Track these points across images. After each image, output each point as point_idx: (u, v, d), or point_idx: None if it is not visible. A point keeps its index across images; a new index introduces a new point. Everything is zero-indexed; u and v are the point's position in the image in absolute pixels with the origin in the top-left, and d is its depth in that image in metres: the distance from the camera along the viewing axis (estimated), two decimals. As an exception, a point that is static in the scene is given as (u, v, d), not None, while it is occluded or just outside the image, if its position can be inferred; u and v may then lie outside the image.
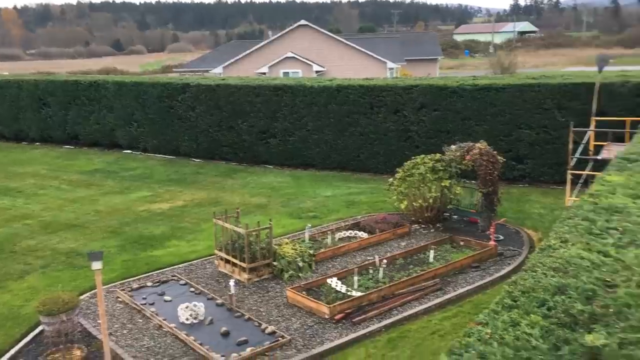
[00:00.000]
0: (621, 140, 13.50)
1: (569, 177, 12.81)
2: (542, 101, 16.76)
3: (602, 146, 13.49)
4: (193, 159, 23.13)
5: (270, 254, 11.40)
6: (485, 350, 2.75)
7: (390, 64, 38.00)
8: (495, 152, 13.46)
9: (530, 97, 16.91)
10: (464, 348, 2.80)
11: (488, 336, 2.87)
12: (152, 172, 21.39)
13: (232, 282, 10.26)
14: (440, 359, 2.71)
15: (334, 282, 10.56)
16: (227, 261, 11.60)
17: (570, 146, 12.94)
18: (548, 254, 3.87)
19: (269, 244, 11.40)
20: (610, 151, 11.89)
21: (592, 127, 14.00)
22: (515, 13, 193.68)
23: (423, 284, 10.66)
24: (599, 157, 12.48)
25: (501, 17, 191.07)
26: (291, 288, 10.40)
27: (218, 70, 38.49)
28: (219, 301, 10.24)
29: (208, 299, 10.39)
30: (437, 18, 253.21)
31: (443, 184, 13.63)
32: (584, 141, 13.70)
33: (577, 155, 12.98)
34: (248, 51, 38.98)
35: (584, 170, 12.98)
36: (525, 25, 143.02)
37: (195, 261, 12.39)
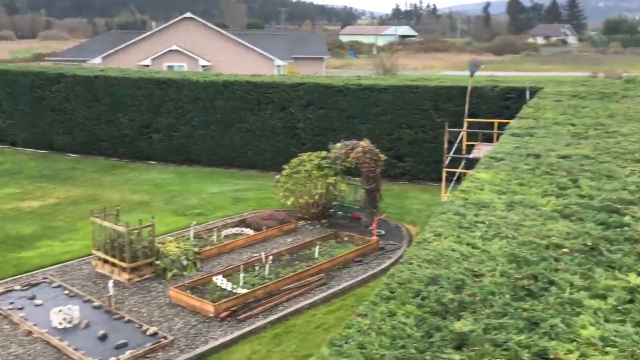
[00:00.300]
0: (490, 140, 14.52)
1: (444, 174, 13.60)
2: (420, 102, 17.62)
3: (473, 146, 14.44)
4: (68, 154, 21.77)
5: (153, 252, 11.03)
6: (364, 341, 2.85)
7: (277, 61, 38.12)
8: (377, 150, 13.96)
9: (410, 98, 17.72)
10: (344, 339, 2.88)
11: (367, 327, 2.97)
12: (21, 168, 19.87)
13: (110, 283, 9.80)
14: (321, 351, 2.77)
15: (219, 280, 10.44)
16: (106, 261, 11.06)
17: (446, 145, 13.74)
18: (423, 247, 4.09)
19: (151, 242, 11.02)
20: (480, 150, 12.77)
21: (464, 127, 14.94)
22: (397, 17, 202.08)
23: (308, 279, 10.82)
24: (470, 156, 13.36)
25: (384, 21, 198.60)
26: (174, 287, 10.14)
27: (97, 60, 36.51)
28: (97, 303, 9.75)
29: (84, 301, 9.85)
30: (324, 18, 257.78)
31: (328, 181, 13.91)
32: (458, 141, 14.59)
33: (451, 154, 13.80)
34: (130, 42, 37.36)
35: (457, 168, 13.82)
36: (405, 29, 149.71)
37: (70, 262, 11.69)
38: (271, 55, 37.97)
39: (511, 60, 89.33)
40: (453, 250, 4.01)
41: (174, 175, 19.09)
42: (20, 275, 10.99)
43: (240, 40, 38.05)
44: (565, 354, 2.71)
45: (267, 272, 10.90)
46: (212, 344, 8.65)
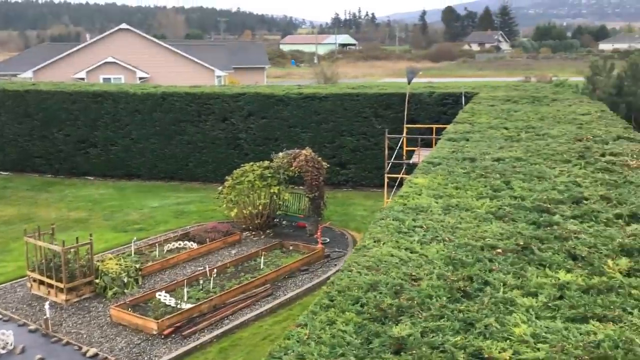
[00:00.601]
0: (429, 145, 14.84)
1: (385, 180, 13.79)
2: (361, 110, 17.84)
3: (413, 151, 14.71)
4: (0, 172, 20.84)
5: (92, 271, 10.68)
6: (303, 351, 2.84)
7: (218, 72, 37.75)
8: (320, 158, 14.03)
9: (351, 106, 17.91)
10: (283, 351, 2.86)
11: (306, 337, 2.96)
12: (-52, 188, 18.87)
13: (47, 305, 9.42)
14: (260, 364, 2.74)
15: (162, 296, 10.20)
16: (42, 282, 10.62)
17: (386, 152, 13.94)
18: (363, 254, 4.12)
19: (89, 260, 10.66)
20: (420, 156, 13.02)
21: (404, 134, 15.21)
22: (337, 26, 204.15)
23: (254, 290, 10.73)
24: (410, 162, 13.61)
25: (324, 30, 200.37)
26: (115, 306, 9.83)
27: (28, 74, 35.13)
28: (32, 327, 9.34)
29: (19, 325, 9.42)
30: (264, 28, 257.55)
31: (272, 191, 13.87)
32: (398, 147, 14.83)
33: (392, 160, 14.01)
34: (63, 54, 36.14)
35: (399, 173, 14.05)
36: (345, 38, 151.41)
37: (3, 285, 11.17)
38: (211, 65, 37.58)
39: (448, 66, 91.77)
40: (392, 255, 4.05)
41: (113, 191, 18.58)
42: (-52, 302, 10.40)
43: (179, 51, 37.50)
44: (499, 352, 2.78)
45: (211, 285, 10.73)
46: (156, 362, 8.43)
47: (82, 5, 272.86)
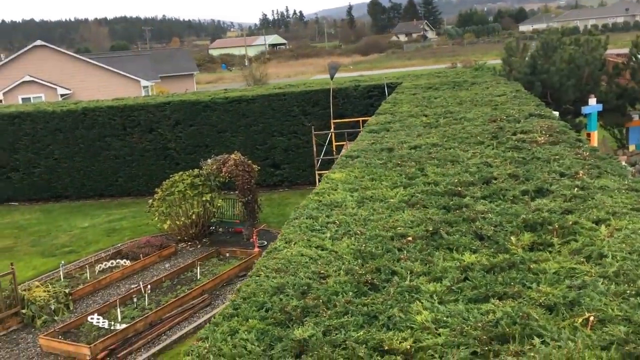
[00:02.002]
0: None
1: (317, 177, 13.78)
2: (289, 109, 17.78)
3: (342, 146, 14.77)
4: None
5: (17, 301, 10.17)
6: (202, 368, 2.74)
7: (144, 82, 36.89)
8: (250, 161, 13.88)
9: (278, 106, 17.82)
10: (181, 369, 2.75)
11: (206, 351, 2.86)
12: None
13: (-31, 343, 8.90)
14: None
15: (95, 319, 9.83)
16: (-37, 319, 10.03)
17: (315, 149, 13.93)
18: (272, 257, 4.04)
19: (13, 290, 10.15)
20: (348, 150, 13.08)
21: (332, 129, 15.26)
22: (265, 27, 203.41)
23: (191, 302, 10.49)
24: (338, 157, 13.62)
25: (253, 31, 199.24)
26: (44, 335, 9.39)
27: (-61, 100, 33.30)
28: (-45, 368, 8.80)
29: (-60, 368, 8.86)
30: (192, 34, 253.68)
31: (204, 199, 13.62)
32: (327, 143, 14.86)
33: (321, 156, 14.02)
34: (-24, 77, 34.46)
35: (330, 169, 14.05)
36: (275, 38, 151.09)
37: None
38: (136, 76, 36.68)
39: (377, 59, 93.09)
40: (302, 255, 4.00)
41: (40, 214, 17.82)
42: None
43: (101, 64, 36.40)
44: (400, 342, 2.76)
45: (147, 302, 10.43)
46: (91, 388, 8.10)
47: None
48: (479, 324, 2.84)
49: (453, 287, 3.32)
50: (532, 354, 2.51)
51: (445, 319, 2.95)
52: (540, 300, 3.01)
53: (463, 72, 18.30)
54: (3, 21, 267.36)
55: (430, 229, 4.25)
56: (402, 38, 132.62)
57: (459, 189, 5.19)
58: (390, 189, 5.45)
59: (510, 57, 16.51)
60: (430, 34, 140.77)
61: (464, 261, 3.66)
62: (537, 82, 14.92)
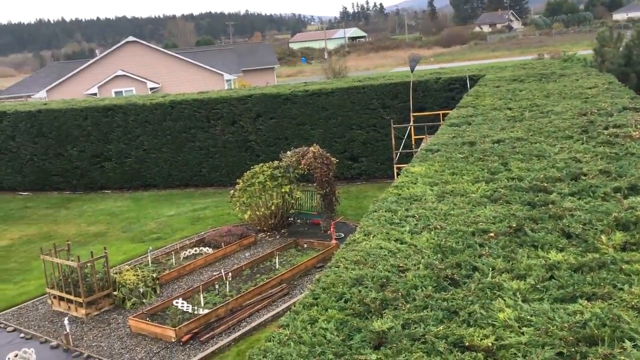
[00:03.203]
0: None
1: (395, 171, 13.68)
2: (368, 102, 17.73)
3: (422, 139, 14.58)
4: (19, 193, 21.19)
5: (109, 283, 10.79)
6: (282, 352, 2.81)
7: (227, 76, 37.93)
8: (328, 154, 13.98)
9: (358, 99, 17.81)
10: (262, 354, 2.84)
11: (287, 337, 2.93)
12: (-30, 213, 19.25)
13: (66, 320, 9.55)
14: (238, 368, 2.72)
15: (179, 303, 10.27)
16: (62, 298, 10.77)
17: (393, 142, 13.83)
18: (351, 249, 4.08)
19: (106, 273, 10.78)
20: (428, 143, 12.90)
21: (411, 122, 15.08)
22: (345, 20, 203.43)
23: (270, 291, 10.73)
24: (418, 150, 13.45)
25: (333, 25, 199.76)
26: (134, 316, 9.92)
27: (42, 94, 35.73)
28: (54, 343, 9.47)
29: (41, 342, 9.57)
30: (273, 28, 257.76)
31: (283, 190, 13.87)
32: (406, 136, 14.71)
33: (400, 150, 13.90)
34: (74, 72, 36.66)
35: (408, 163, 13.92)
36: (354, 31, 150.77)
37: (25, 303, 11.35)
38: (220, 70, 37.77)
39: (459, 51, 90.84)
40: (381, 248, 4.00)
41: (130, 202, 18.77)
42: (-27, 324, 10.61)
43: (187, 59, 37.75)
44: (481, 339, 2.72)
45: (228, 289, 10.77)
46: (176, 369, 8.49)
47: (93, 22, 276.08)
48: (566, 325, 2.75)
49: (538, 286, 3.23)
50: (623, 358, 2.40)
51: (529, 317, 2.87)
52: (633, 303, 2.87)
53: (551, 63, 17.55)
54: (98, 18, 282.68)
55: (514, 225, 4.14)
56: (486, 29, 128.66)
57: (545, 184, 5.01)
58: (472, 184, 5.34)
59: (602, 48, 15.66)
60: (516, 24, 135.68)
61: (550, 259, 3.54)
62: (632, 74, 14.08)
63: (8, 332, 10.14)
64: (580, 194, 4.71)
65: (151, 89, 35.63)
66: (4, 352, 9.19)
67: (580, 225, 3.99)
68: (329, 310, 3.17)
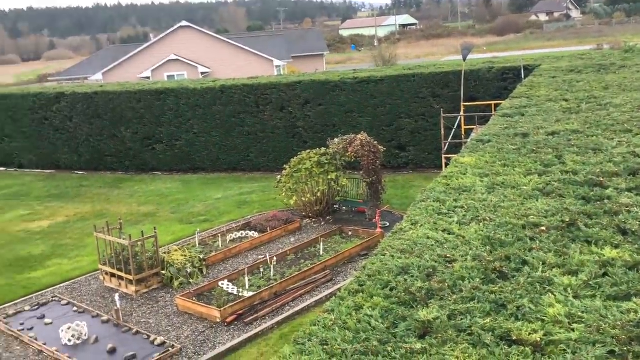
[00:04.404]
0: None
1: (443, 161, 13.50)
2: (418, 90, 17.51)
3: (472, 129, 14.32)
4: (75, 172, 21.98)
5: (158, 263, 11.09)
6: (327, 337, 2.83)
7: (277, 62, 38.13)
8: (376, 142, 13.90)
9: (407, 87, 17.61)
10: (307, 337, 2.87)
11: (332, 322, 2.95)
12: (29, 189, 20.09)
13: (117, 296, 9.88)
14: (283, 350, 2.76)
15: (225, 285, 10.47)
16: (113, 275, 11.15)
17: (443, 132, 13.63)
18: (398, 237, 4.06)
19: (155, 253, 11.08)
20: (478, 134, 12.66)
21: (461, 112, 14.83)
22: (397, 7, 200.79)
23: (314, 276, 10.81)
24: (467, 140, 13.24)
25: (384, 11, 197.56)
26: (181, 295, 10.18)
27: (98, 76, 36.79)
28: (105, 318, 9.82)
29: (93, 316, 9.93)
30: (324, 14, 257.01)
31: (329, 177, 13.90)
32: (456, 126, 14.48)
33: (449, 140, 13.70)
34: (128, 55, 37.57)
35: (457, 153, 13.71)
36: (406, 18, 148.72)
37: (79, 278, 11.80)
38: (270, 56, 37.99)
39: (514, 39, 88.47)
40: (428, 237, 3.97)
41: (180, 184, 19.19)
42: (30, 296, 11.11)
43: (238, 44, 38.11)
44: (530, 334, 2.67)
45: (272, 273, 10.91)
46: (220, 349, 8.68)
47: (149, 6, 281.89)
48: (619, 323, 2.67)
49: (590, 282, 3.14)
50: (679, 361, 2.32)
51: (580, 314, 2.80)
52: (692, 304, 2.76)
53: (611, 54, 16.89)
54: (152, 3, 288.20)
55: (567, 219, 4.03)
56: (542, 17, 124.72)
57: (601, 179, 4.85)
58: (524, 176, 5.22)
59: (667, 38, 14.90)
60: (574, 13, 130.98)
61: (604, 256, 3.43)
62: (698, 66, 13.36)
63: (62, 305, 10.57)
64: (638, 190, 4.54)
65: (202, 73, 36.18)
66: (58, 324, 9.59)
67: (638, 222, 3.85)
68: (374, 297, 3.18)
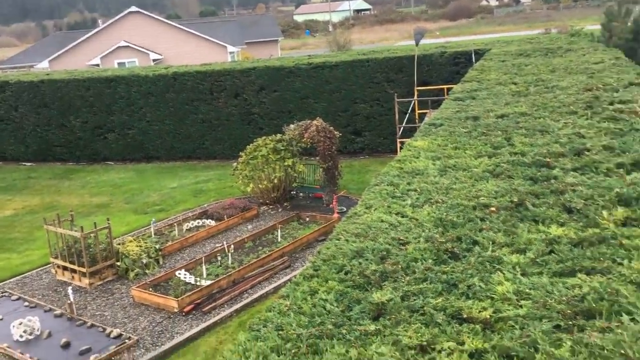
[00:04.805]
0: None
1: (398, 145, 13.65)
2: (372, 75, 17.60)
3: (425, 113, 14.50)
4: (23, 163, 21.25)
5: (112, 254, 10.88)
6: (282, 322, 2.84)
7: (230, 48, 37.61)
8: (331, 127, 13.93)
9: (362, 73, 17.68)
10: (262, 323, 2.87)
11: (287, 308, 2.96)
12: (-26, 182, 19.33)
13: (70, 290, 9.65)
14: (238, 337, 2.75)
15: (182, 275, 10.36)
16: (65, 268, 10.88)
17: (397, 116, 13.76)
18: (353, 221, 4.09)
19: (109, 244, 10.86)
20: (431, 118, 12.83)
21: (415, 96, 14.99)
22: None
23: (272, 263, 10.81)
24: (421, 125, 13.41)
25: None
26: (137, 287, 10.02)
27: (44, 64, 35.52)
28: (58, 312, 9.58)
29: (45, 311, 9.68)
30: (277, 0, 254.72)
31: (286, 164, 13.87)
32: (409, 110, 14.63)
33: (403, 124, 13.84)
34: (76, 42, 36.38)
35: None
36: (360, 3, 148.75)
37: (29, 273, 11.48)
38: (223, 42, 37.43)
39: (466, 24, 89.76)
40: (382, 221, 4.01)
41: (134, 174, 18.81)
42: (-22, 292, 10.74)
43: (190, 30, 37.40)
44: (480, 312, 2.74)
45: (230, 261, 10.85)
46: (178, 339, 8.61)
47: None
48: (564, 298, 2.76)
49: (537, 260, 3.24)
50: (620, 331, 2.42)
51: (527, 291, 2.89)
52: (632, 277, 2.88)
53: (558, 38, 17.33)
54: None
55: (515, 200, 4.13)
56: (493, 2, 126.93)
57: (548, 160, 4.99)
58: (475, 158, 5.32)
59: (610, 23, 15.45)
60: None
61: (550, 234, 3.54)
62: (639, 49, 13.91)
63: (12, 300, 10.26)
64: (583, 170, 4.69)
65: (154, 60, 35.39)
66: (8, 320, 9.30)
67: (582, 201, 3.99)
68: (329, 281, 3.19)
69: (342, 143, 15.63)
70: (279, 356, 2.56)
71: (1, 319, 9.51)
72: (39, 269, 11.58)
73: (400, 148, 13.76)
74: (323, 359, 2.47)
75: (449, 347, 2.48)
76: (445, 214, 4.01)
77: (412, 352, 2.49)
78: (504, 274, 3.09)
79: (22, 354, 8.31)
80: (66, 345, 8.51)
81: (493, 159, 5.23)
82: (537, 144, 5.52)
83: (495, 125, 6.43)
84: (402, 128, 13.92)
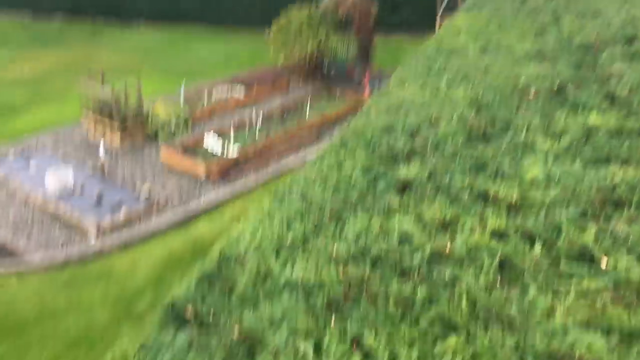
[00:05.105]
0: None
1: (437, 24, 13.04)
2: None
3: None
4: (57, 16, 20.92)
5: (142, 115, 10.99)
6: (307, 191, 2.86)
7: None
8: (369, 1, 13.29)
9: (406, -59, 16.51)
10: (288, 190, 2.88)
11: (313, 178, 2.96)
12: (6, 35, 19.27)
13: (101, 147, 9.89)
14: (262, 204, 2.79)
15: (211, 136, 10.48)
16: (98, 125, 11.08)
17: (439, -9, 13.00)
18: (385, 96, 3.98)
19: (140, 105, 10.94)
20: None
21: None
22: None
23: (299, 136, 10.85)
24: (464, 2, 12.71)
25: None
26: (166, 150, 10.22)
27: None
28: (90, 167, 9.91)
29: (78, 165, 10.01)
30: None
31: (319, 37, 13.43)
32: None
33: (445, 1, 13.13)
34: None
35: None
36: None
37: (63, 128, 11.72)
38: None
39: None
40: (415, 97, 3.90)
41: (165, 36, 18.48)
42: (13, 144, 11.07)
43: None
44: (506, 194, 2.71)
45: (257, 131, 10.91)
46: (204, 202, 8.89)
47: None
48: (594, 186, 2.71)
49: (572, 147, 3.14)
50: (647, 223, 2.38)
51: (558, 176, 2.83)
52: (668, 171, 2.79)
53: None
54: None
55: (557, 84, 3.95)
56: None
57: (597, 44, 4.71)
58: (518, 39, 5.05)
59: None
60: None
61: (589, 121, 3.41)
62: None
63: (47, 154, 10.59)
64: (632, 57, 4.43)
65: None
66: (44, 171, 9.65)
67: (627, 89, 3.80)
68: (356, 155, 3.17)
69: (378, 18, 14.96)
70: (302, 221, 2.59)
71: (36, 170, 9.86)
72: (73, 126, 11.80)
73: (440, 26, 13.18)
74: (346, 227, 2.50)
75: (471, 225, 2.48)
76: (481, 94, 3.87)
77: (434, 227, 2.50)
78: (535, 157, 3.02)
79: (56, 204, 8.71)
80: (98, 200, 8.87)
81: (538, 40, 4.96)
82: (586, 28, 5.19)
83: (544, 5, 6.04)
84: (443, 5, 13.22)
